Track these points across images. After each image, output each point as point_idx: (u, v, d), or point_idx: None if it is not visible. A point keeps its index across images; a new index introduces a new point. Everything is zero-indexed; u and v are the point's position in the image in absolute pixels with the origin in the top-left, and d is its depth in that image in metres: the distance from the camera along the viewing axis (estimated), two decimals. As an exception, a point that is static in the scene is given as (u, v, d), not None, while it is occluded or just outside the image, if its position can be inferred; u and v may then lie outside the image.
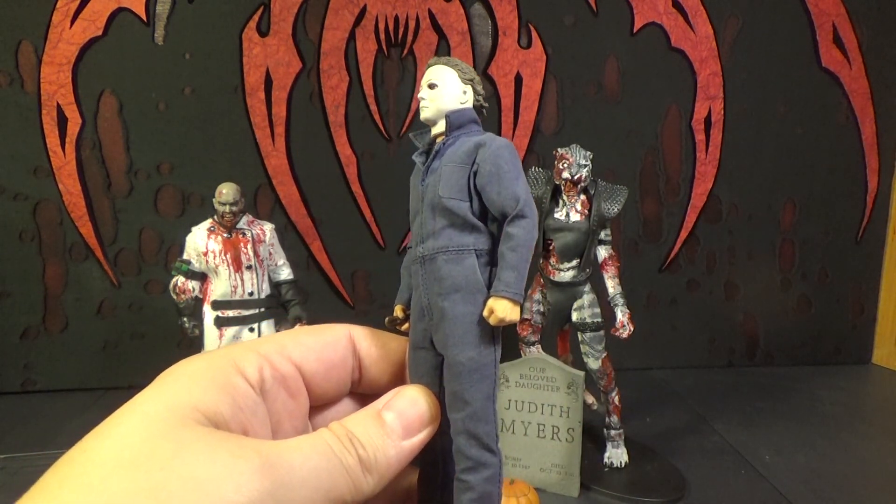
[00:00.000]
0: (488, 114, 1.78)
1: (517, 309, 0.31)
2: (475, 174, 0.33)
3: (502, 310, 0.30)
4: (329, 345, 0.32)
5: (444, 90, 0.36)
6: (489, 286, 0.32)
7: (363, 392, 0.34)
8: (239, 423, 0.26)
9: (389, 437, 0.28)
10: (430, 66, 0.37)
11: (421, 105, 0.36)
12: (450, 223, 0.32)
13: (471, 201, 0.33)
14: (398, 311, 0.36)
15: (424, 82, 0.36)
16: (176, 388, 0.25)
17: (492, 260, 0.33)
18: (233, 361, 0.28)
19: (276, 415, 0.29)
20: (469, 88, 0.36)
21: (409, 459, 0.29)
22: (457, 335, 0.31)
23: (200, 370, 0.27)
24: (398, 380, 0.34)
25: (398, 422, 0.29)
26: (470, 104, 0.36)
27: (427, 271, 0.33)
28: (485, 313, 0.31)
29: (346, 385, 0.33)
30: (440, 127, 0.35)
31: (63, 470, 0.22)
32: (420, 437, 0.29)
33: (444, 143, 0.35)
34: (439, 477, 0.33)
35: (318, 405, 0.33)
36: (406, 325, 0.35)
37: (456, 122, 0.35)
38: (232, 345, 0.30)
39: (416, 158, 0.36)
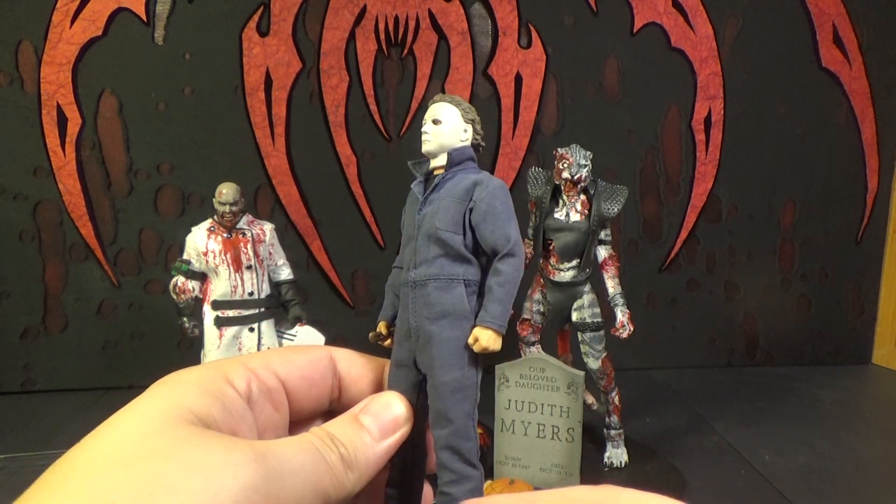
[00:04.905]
0: (489, 114, 1.76)
1: (500, 340, 0.34)
2: (471, 211, 0.35)
3: (486, 339, 0.33)
4: (312, 363, 0.34)
5: (446, 127, 0.38)
6: (475, 314, 0.34)
7: (342, 410, 0.37)
8: (229, 426, 0.28)
9: (367, 437, 0.31)
10: (434, 101, 0.39)
11: (423, 138, 0.38)
12: (443, 253, 0.35)
13: (464, 235, 0.35)
14: (382, 328, 0.39)
15: (429, 117, 0.38)
16: (170, 393, 0.27)
17: (479, 291, 0.35)
18: (223, 373, 0.30)
19: (261, 425, 0.31)
20: (470, 127, 0.39)
21: (387, 458, 0.32)
22: (443, 358, 0.33)
23: (192, 379, 0.29)
24: None
25: (374, 424, 0.31)
26: (469, 142, 0.38)
27: (417, 296, 0.35)
28: (469, 340, 0.33)
29: (325, 404, 0.35)
30: (440, 161, 0.38)
31: (65, 467, 0.23)
32: (395, 438, 0.32)
33: (443, 177, 0.37)
34: (407, 480, 0.35)
35: (296, 420, 0.35)
36: (389, 342, 0.38)
37: (456, 158, 0.37)
38: (222, 359, 0.32)
39: (415, 188, 0.38)
